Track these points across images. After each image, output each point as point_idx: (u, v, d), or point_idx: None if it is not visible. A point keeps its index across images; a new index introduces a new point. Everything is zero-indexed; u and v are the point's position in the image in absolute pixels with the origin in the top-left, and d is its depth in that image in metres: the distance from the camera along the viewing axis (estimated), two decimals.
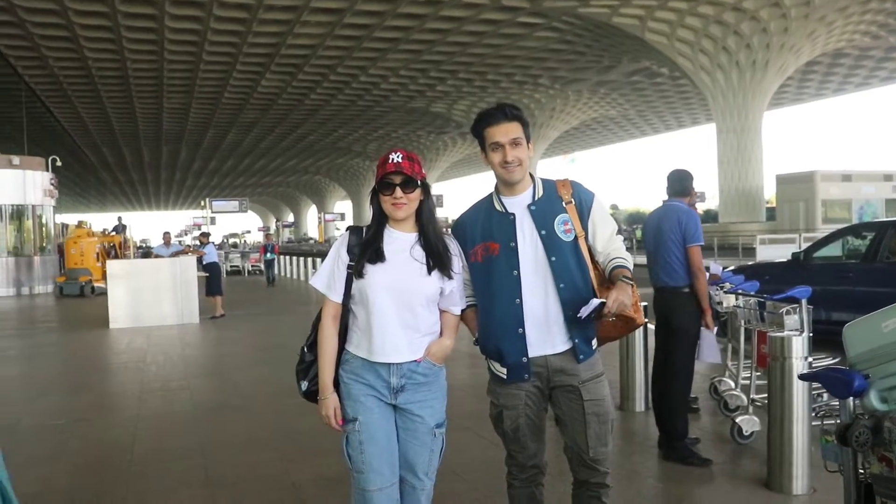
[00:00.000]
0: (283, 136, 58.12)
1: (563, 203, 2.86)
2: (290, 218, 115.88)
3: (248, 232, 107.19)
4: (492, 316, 2.85)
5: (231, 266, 35.84)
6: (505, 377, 2.85)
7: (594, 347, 2.87)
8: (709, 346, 5.14)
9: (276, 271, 27.13)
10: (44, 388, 8.18)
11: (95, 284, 22.49)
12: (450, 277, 2.76)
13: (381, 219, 2.79)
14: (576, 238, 2.83)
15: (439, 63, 38.05)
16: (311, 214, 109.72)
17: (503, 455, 3.03)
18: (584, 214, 2.87)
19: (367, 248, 2.74)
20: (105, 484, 4.75)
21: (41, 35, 30.15)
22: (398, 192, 2.69)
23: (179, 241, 43.88)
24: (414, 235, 2.79)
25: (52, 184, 25.86)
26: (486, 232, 2.88)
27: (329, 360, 2.77)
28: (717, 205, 39.95)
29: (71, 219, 70.44)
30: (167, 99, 42.37)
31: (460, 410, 5.84)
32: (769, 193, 40.50)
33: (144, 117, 47.57)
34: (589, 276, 2.83)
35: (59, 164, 26.65)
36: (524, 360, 2.79)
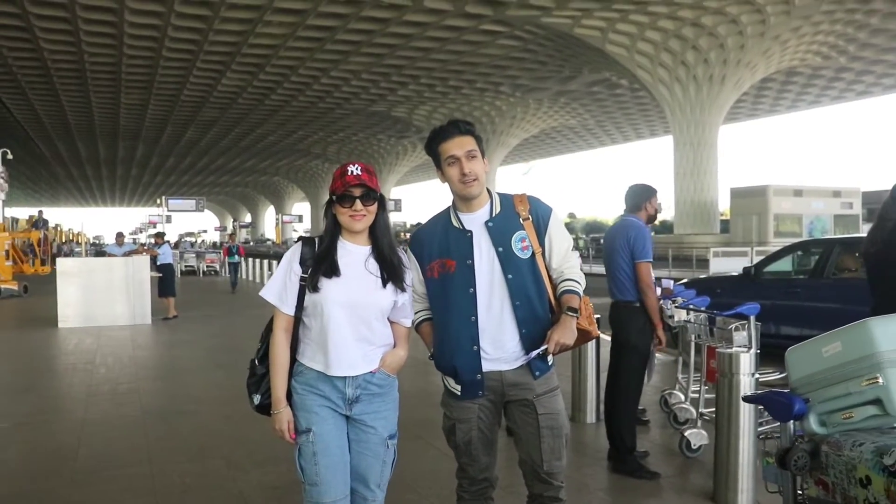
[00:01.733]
0: (242, 136, 57.55)
1: (521, 219, 2.85)
2: (248, 218, 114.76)
3: (205, 231, 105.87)
4: (447, 332, 2.85)
5: (186, 266, 35.34)
6: (459, 393, 2.86)
7: (550, 362, 2.88)
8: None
9: (240, 275, 25.39)
10: None
11: (3, 286, 20.60)
12: (402, 290, 2.76)
13: (334, 231, 2.78)
14: (533, 255, 2.82)
15: (401, 67, 38.04)
16: (269, 215, 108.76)
17: (454, 466, 3.03)
18: (541, 230, 2.86)
19: (321, 261, 2.71)
20: (47, 492, 4.64)
21: None
22: (358, 204, 2.68)
23: (133, 240, 43.16)
24: (367, 248, 2.78)
25: (1, 177, 25.26)
26: (443, 248, 2.87)
27: (282, 373, 2.74)
28: (672, 216, 40.50)
29: (22, 213, 68.87)
30: (125, 94, 41.68)
31: (412, 418, 5.82)
32: (724, 206, 41.16)
33: (101, 112, 46.72)
34: (546, 292, 2.83)
35: (10, 157, 26.05)
36: (478, 376, 2.79)
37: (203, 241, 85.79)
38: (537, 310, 2.79)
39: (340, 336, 2.67)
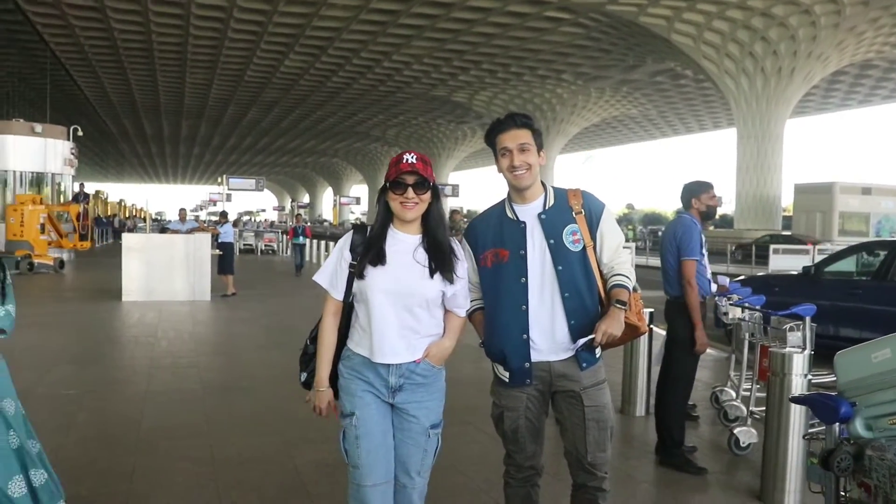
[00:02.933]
0: (302, 117, 58.22)
1: (574, 213, 2.91)
2: (306, 199, 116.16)
3: (263, 210, 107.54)
4: (498, 321, 2.91)
5: (244, 244, 35.99)
6: (507, 380, 2.92)
7: (598, 355, 2.93)
8: None
9: (306, 258, 23.72)
10: (56, 357, 8.31)
11: (37, 261, 19.92)
12: (451, 281, 2.76)
13: (386, 218, 2.81)
14: (584, 248, 2.88)
15: (463, 53, 38.00)
16: (327, 196, 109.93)
17: (502, 452, 3.10)
18: (593, 225, 2.92)
19: (369, 248, 2.75)
20: (113, 457, 4.87)
21: (69, 4, 30.30)
22: (410, 192, 2.70)
23: (195, 217, 44.07)
24: (418, 237, 2.80)
25: (72, 153, 26.07)
26: (497, 238, 2.94)
27: (327, 354, 2.83)
28: (733, 210, 39.78)
29: (89, 188, 71.00)
30: (190, 74, 42.52)
31: (463, 405, 5.92)
32: (787, 202, 40.30)
33: (166, 91, 47.76)
34: (596, 286, 2.90)
35: (80, 133, 26.84)
36: (527, 365, 2.86)
37: (266, 220, 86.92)
38: (586, 302, 2.85)
39: (384, 323, 2.71)
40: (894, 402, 1.88)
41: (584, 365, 2.87)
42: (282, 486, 4.41)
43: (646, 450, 5.25)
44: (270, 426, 5.69)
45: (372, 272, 2.72)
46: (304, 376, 2.95)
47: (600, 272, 2.92)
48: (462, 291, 2.86)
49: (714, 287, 5.55)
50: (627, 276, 2.91)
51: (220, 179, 37.30)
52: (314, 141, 72.82)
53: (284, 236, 35.87)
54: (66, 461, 4.71)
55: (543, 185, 2.99)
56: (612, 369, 6.54)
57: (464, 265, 2.86)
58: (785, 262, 22.13)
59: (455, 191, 52.37)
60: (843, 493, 1.91)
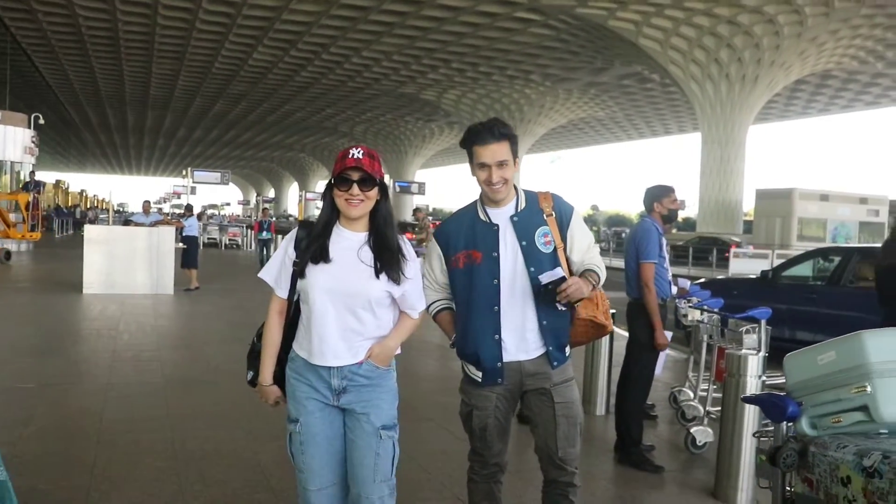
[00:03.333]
0: (270, 111, 57.78)
1: (545, 216, 2.98)
2: (272, 193, 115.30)
3: (228, 204, 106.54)
4: (470, 322, 2.95)
5: (208, 238, 35.67)
6: (479, 380, 2.97)
7: (567, 354, 3.00)
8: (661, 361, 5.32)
9: (271, 253, 21.99)
10: (13, 350, 8.19)
11: None
12: (398, 282, 2.68)
13: (331, 216, 2.73)
14: (555, 249, 2.95)
15: (433, 51, 38.01)
16: (293, 191, 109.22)
17: (465, 448, 3.16)
18: (563, 227, 2.99)
19: (310, 245, 2.68)
20: (74, 450, 4.84)
21: None
22: (355, 188, 2.62)
23: (158, 209, 43.55)
24: (364, 235, 2.72)
25: (32, 141, 25.62)
26: (470, 240, 2.98)
27: (270, 352, 2.80)
28: (696, 214, 40.31)
29: (49, 177, 69.77)
30: (157, 64, 41.96)
31: (426, 402, 5.98)
32: (748, 207, 40.90)
33: (132, 80, 47.07)
34: None
35: (41, 121, 26.40)
36: (499, 364, 2.92)
37: (232, 214, 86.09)
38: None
39: (324, 324, 2.64)
40: (837, 401, 1.98)
41: (555, 364, 2.93)
42: (245, 481, 4.43)
43: (605, 448, 5.35)
44: (234, 420, 5.69)
45: (313, 270, 2.65)
46: (250, 374, 2.94)
47: (570, 272, 2.98)
48: (413, 292, 2.79)
49: (674, 289, 5.68)
50: (599, 267, 3.01)
51: (184, 172, 36.97)
52: (281, 135, 72.31)
53: (249, 231, 35.63)
54: (25, 454, 4.69)
55: (515, 188, 3.04)
56: (573, 369, 6.66)
57: (414, 265, 2.78)
58: (744, 266, 22.51)
59: (422, 189, 52.45)
60: (788, 488, 2.00)
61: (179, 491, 4.21)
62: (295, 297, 2.76)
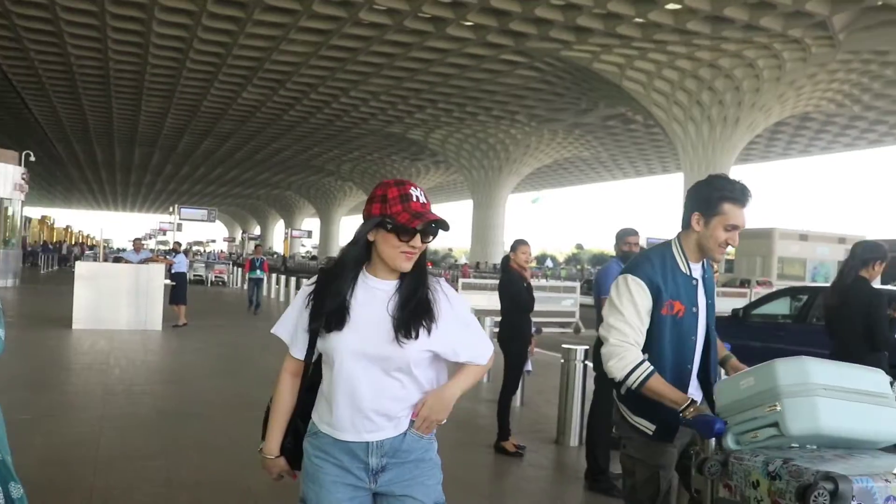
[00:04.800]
0: (257, 149, 58.31)
1: (714, 272, 3.05)
2: (257, 230, 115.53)
3: (213, 241, 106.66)
4: (663, 374, 2.71)
5: (194, 275, 35.81)
6: (652, 434, 2.78)
7: None
8: None
9: (262, 293, 20.91)
10: (9, 382, 8.39)
11: None
12: (429, 333, 2.18)
13: (359, 263, 2.24)
14: None
15: (420, 91, 38.70)
16: (278, 229, 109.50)
17: None
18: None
19: (326, 301, 2.21)
20: (72, 478, 5.05)
21: (25, 27, 30.20)
22: (418, 240, 2.16)
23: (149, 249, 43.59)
24: (394, 284, 2.23)
25: (23, 178, 25.86)
26: (673, 290, 2.80)
27: (280, 420, 2.35)
28: None
29: (35, 213, 69.77)
30: (146, 102, 42.45)
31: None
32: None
33: (121, 117, 47.53)
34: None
35: (32, 158, 26.67)
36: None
37: (221, 251, 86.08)
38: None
39: (356, 392, 2.18)
40: (754, 419, 2.33)
41: None
42: None
43: (577, 476, 5.62)
44: (224, 450, 5.92)
45: (336, 330, 2.20)
46: (262, 444, 2.42)
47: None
48: (469, 339, 2.30)
49: None
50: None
51: (171, 209, 37.19)
52: (268, 173, 72.83)
53: (237, 269, 35.76)
54: (24, 481, 4.87)
55: None
56: (549, 403, 6.95)
57: (462, 306, 2.32)
58: (724, 304, 22.89)
59: None
60: (717, 495, 2.34)
61: None
62: (314, 358, 2.33)
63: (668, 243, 2.89)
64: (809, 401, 2.28)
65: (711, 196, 2.77)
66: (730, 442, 2.36)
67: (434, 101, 40.79)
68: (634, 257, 3.06)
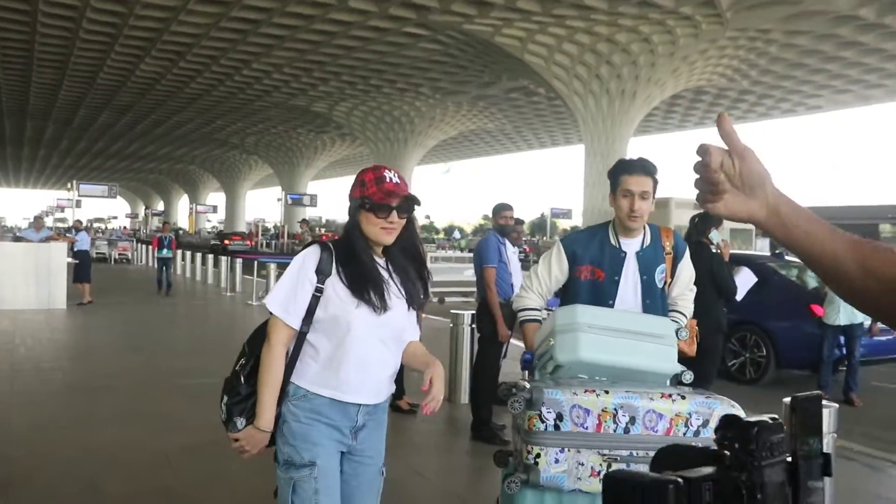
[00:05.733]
0: (158, 123, 56.75)
1: (664, 253, 3.30)
2: (161, 206, 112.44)
3: (115, 217, 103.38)
4: None
5: (97, 253, 34.97)
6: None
7: None
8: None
9: (172, 273, 19.89)
10: None
11: None
12: (415, 309, 2.59)
13: (366, 244, 2.49)
14: (664, 285, 3.30)
15: (323, 64, 38.49)
16: (183, 204, 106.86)
17: None
18: (676, 263, 3.33)
19: (365, 275, 2.44)
20: None
21: None
22: (395, 215, 2.42)
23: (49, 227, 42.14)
24: (383, 261, 2.54)
25: None
26: (596, 259, 3.23)
27: (274, 394, 2.43)
28: (582, 223, 42.17)
29: None
30: (37, 73, 40.75)
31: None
32: None
33: (9, 88, 45.49)
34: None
35: None
36: None
37: (125, 227, 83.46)
38: None
39: (367, 359, 2.44)
40: (544, 354, 2.88)
41: None
42: (151, 465, 5.02)
43: (465, 429, 6.19)
44: (136, 419, 6.19)
45: (352, 300, 2.41)
46: (241, 422, 2.46)
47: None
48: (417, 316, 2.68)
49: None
50: (683, 314, 3.33)
51: (69, 185, 36.13)
52: (170, 147, 70.90)
53: (142, 246, 35.06)
54: None
55: (646, 226, 3.31)
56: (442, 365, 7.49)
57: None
58: None
59: (314, 201, 52.63)
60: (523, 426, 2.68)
61: (91, 475, 4.77)
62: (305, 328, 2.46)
63: (608, 222, 3.33)
64: (573, 336, 2.75)
65: (612, 176, 3.25)
66: (536, 374, 2.92)
67: (338, 74, 40.63)
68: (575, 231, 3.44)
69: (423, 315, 7.12)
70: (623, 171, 3.19)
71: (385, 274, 2.49)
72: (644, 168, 3.18)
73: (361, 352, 2.41)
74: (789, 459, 0.88)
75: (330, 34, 33.33)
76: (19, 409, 6.39)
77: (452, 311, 7.48)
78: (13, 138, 66.91)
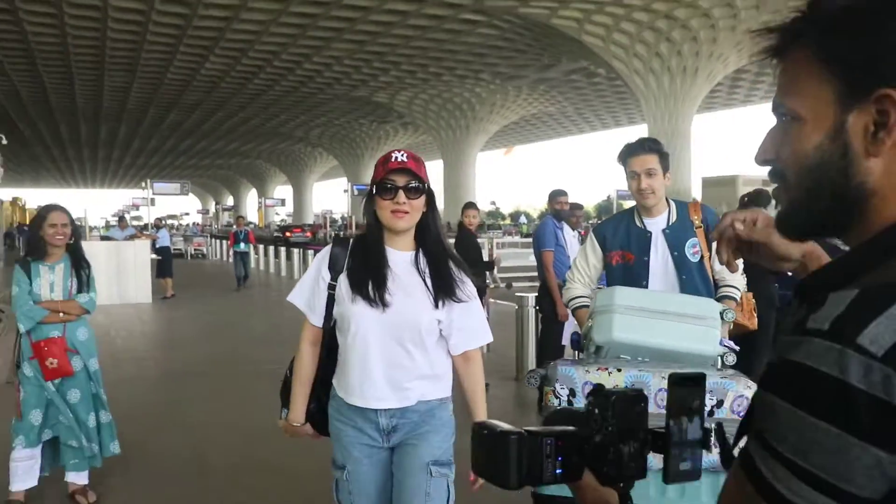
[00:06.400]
0: (225, 119, 58.13)
1: (694, 227, 3.33)
2: (230, 201, 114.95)
3: (187, 214, 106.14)
4: None
5: (174, 249, 36.15)
6: None
7: None
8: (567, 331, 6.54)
9: (250, 266, 19.89)
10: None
11: None
12: (453, 304, 2.37)
13: (380, 234, 2.38)
14: (701, 258, 3.29)
15: (382, 54, 38.90)
16: (251, 198, 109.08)
17: None
18: (710, 236, 3.22)
19: (367, 274, 2.33)
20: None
21: None
22: (401, 196, 2.27)
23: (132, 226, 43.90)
24: (410, 255, 2.39)
25: None
26: (624, 242, 3.36)
27: (303, 390, 2.48)
28: None
29: (5, 195, 69.17)
30: (109, 76, 42.23)
31: None
32: (696, 194, 42.46)
33: (84, 93, 47.19)
34: (713, 292, 3.31)
35: (4, 142, 26.82)
36: None
37: (198, 223, 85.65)
38: None
39: (367, 360, 2.32)
40: (586, 335, 3.07)
41: None
42: (244, 441, 5.47)
43: (532, 405, 6.42)
44: (227, 401, 6.72)
45: (358, 296, 2.32)
46: (285, 413, 2.57)
47: (714, 280, 3.33)
48: (474, 317, 2.47)
49: None
50: (736, 287, 3.33)
51: (143, 183, 37.35)
52: (237, 142, 72.51)
53: (217, 242, 36.06)
54: None
55: (667, 200, 3.41)
56: (507, 344, 7.80)
57: (471, 286, 2.46)
58: None
59: None
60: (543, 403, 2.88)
61: (197, 448, 5.25)
62: (331, 325, 2.44)
63: (634, 206, 3.45)
64: (608, 317, 2.88)
65: (620, 161, 3.41)
66: (584, 354, 3.10)
67: (397, 64, 41.01)
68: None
69: (492, 301, 7.41)
70: (626, 155, 3.34)
71: (400, 268, 2.35)
72: (643, 146, 3.31)
73: (361, 350, 2.32)
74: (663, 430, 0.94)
75: (387, 24, 33.68)
76: (125, 394, 6.93)
77: (517, 293, 7.79)
78: (89, 141, 69.45)
